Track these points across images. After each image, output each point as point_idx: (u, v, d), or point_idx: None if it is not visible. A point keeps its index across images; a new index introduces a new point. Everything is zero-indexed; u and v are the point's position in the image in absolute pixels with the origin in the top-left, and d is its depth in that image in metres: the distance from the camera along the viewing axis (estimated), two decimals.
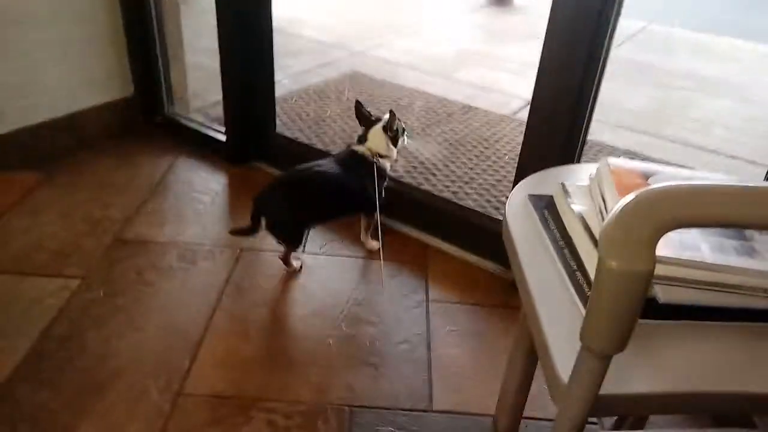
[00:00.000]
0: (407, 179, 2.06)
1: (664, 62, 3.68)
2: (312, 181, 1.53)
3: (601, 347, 0.51)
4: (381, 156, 1.61)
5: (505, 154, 2.33)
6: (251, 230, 1.53)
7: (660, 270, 0.68)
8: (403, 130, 1.67)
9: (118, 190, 1.90)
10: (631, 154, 2.41)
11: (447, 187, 2.05)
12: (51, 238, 1.66)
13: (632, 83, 3.29)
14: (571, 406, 0.58)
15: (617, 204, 0.52)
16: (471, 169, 2.20)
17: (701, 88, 3.28)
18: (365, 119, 1.64)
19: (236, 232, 1.58)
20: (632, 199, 0.50)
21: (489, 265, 1.69)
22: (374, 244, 1.69)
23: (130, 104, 2.21)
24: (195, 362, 1.32)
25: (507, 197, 1.00)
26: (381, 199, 1.61)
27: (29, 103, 1.94)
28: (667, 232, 0.50)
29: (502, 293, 1.59)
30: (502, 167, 2.22)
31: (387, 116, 1.62)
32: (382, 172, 1.61)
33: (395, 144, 1.64)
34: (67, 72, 2.02)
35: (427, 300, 1.56)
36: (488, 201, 1.99)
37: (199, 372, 1.30)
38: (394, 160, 1.67)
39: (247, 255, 1.66)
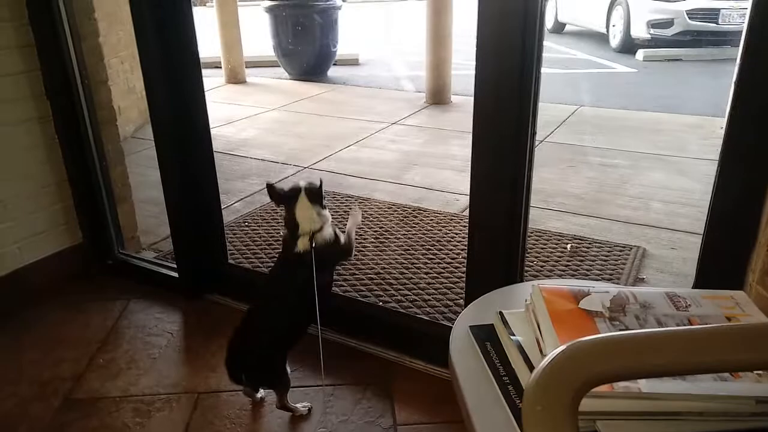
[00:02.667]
0: (365, 292, 2.07)
1: (597, 142, 3.90)
2: (274, 313, 1.49)
3: None
4: (317, 231, 1.48)
5: (458, 254, 2.37)
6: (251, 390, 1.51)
7: (599, 405, 0.69)
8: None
9: (68, 344, 1.84)
10: (580, 240, 2.49)
11: (405, 296, 2.06)
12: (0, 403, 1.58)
13: (570, 167, 3.46)
14: None
15: (536, 369, 0.53)
16: (427, 273, 2.22)
17: (635, 164, 3.47)
18: (281, 197, 1.50)
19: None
20: (546, 366, 0.52)
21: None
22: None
23: (79, 251, 2.20)
24: None
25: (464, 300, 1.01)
26: (332, 280, 1.59)
27: None
28: (586, 393, 0.51)
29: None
30: (457, 268, 2.26)
31: (304, 183, 1.50)
32: (325, 246, 1.49)
33: (323, 207, 1.52)
34: (11, 229, 2.00)
35: (395, 424, 1.52)
36: (447, 306, 2.00)
37: None
38: (331, 223, 1.54)
39: (205, 399, 1.60)
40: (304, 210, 1.47)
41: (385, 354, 1.77)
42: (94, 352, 1.79)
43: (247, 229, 2.62)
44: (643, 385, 0.70)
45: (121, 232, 2.25)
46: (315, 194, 1.48)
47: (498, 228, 1.48)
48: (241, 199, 2.98)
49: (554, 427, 0.49)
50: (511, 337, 0.86)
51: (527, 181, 1.44)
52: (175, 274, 2.09)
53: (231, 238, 2.44)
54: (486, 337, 0.91)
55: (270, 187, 1.50)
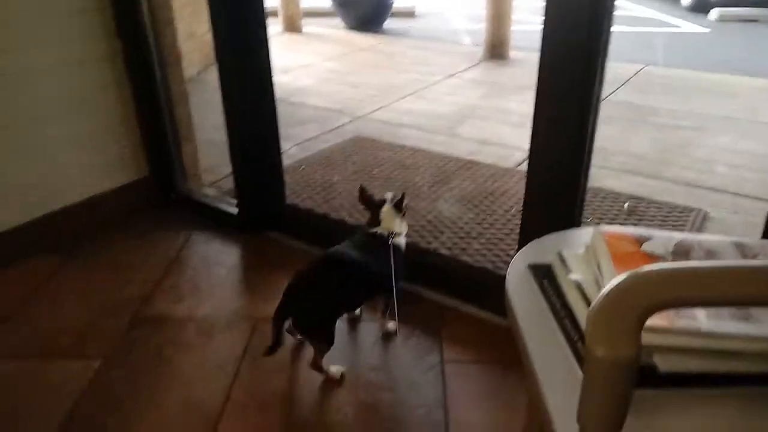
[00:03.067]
0: (416, 239, 2.11)
1: (663, 103, 3.75)
2: (339, 273, 1.50)
3: (597, 430, 0.54)
4: (396, 234, 1.60)
5: (512, 207, 2.37)
6: (276, 344, 1.46)
7: (657, 339, 0.71)
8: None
9: (135, 268, 1.96)
10: (638, 199, 2.44)
11: (456, 244, 2.09)
12: (73, 321, 1.71)
13: (633, 127, 3.35)
14: None
15: (606, 280, 0.55)
16: (478, 224, 2.23)
17: (701, 126, 3.33)
18: (370, 203, 1.63)
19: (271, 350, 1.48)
20: (614, 287, 0.53)
21: (503, 321, 1.70)
22: (392, 326, 1.67)
23: (145, 185, 2.31)
24: None
25: (515, 251, 1.03)
26: (399, 279, 1.59)
27: (48, 191, 2.04)
28: (650, 315, 0.53)
29: (517, 349, 1.59)
30: (509, 220, 2.26)
31: (390, 195, 1.64)
32: (398, 249, 1.60)
33: (403, 217, 1.64)
34: (84, 160, 2.12)
35: (443, 361, 1.57)
36: (497, 256, 2.02)
37: None
38: (405, 235, 1.66)
39: (262, 325, 1.69)
40: (388, 215, 1.61)
41: (435, 297, 1.81)
42: (159, 278, 1.91)
43: (302, 172, 2.67)
44: (704, 323, 0.71)
45: (184, 169, 2.35)
46: (398, 205, 1.62)
47: (557, 178, 1.47)
48: (297, 144, 3.03)
49: (616, 345, 0.51)
50: (570, 276, 0.88)
51: (591, 133, 1.42)
52: (235, 211, 2.17)
53: (287, 180, 2.50)
54: (543, 275, 0.92)
55: (362, 190, 1.64)
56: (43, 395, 1.46)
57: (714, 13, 6.72)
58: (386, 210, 1.61)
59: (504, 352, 1.59)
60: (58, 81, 1.98)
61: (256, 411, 1.42)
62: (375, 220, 1.61)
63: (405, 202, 1.63)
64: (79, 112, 2.06)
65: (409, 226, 2.17)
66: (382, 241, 1.56)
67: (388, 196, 1.64)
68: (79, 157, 2.10)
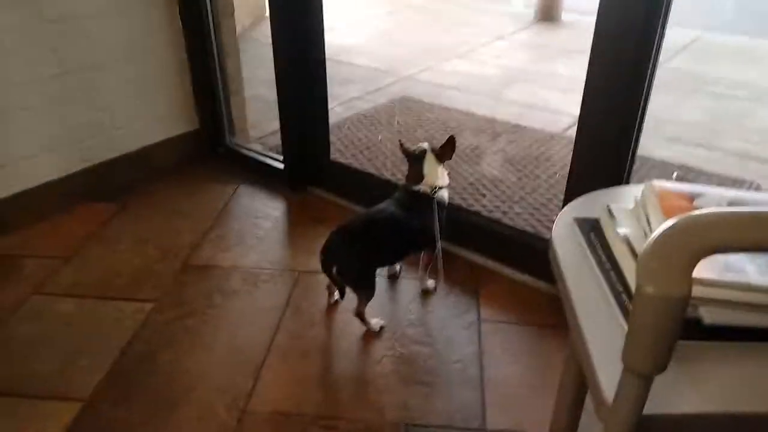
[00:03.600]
0: (457, 200, 2.11)
1: (719, 72, 3.59)
2: (378, 226, 1.53)
3: (642, 369, 0.55)
4: (439, 188, 1.59)
5: (556, 173, 2.34)
6: (341, 291, 1.54)
7: (704, 292, 0.70)
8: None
9: (185, 217, 2.03)
10: (687, 169, 2.37)
11: (497, 207, 2.08)
12: (127, 263, 1.80)
13: (687, 95, 3.23)
14: (615, 426, 0.61)
15: (656, 230, 0.55)
16: (521, 188, 2.22)
17: (758, 97, 3.18)
18: (411, 155, 1.62)
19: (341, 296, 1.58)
20: (668, 227, 0.53)
21: (541, 284, 1.70)
22: (431, 284, 1.69)
23: (195, 137, 2.37)
24: (258, 381, 1.40)
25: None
26: (443, 232, 1.60)
27: (106, 139, 2.11)
28: (702, 258, 0.53)
29: (554, 312, 1.60)
30: (553, 186, 2.24)
31: (427, 145, 1.61)
32: (441, 203, 1.60)
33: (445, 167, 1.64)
34: (138, 109, 2.18)
35: (479, 320, 1.59)
36: (539, 220, 2.01)
37: (263, 390, 1.38)
38: (447, 185, 1.65)
39: (305, 277, 1.74)
40: (431, 167, 1.59)
41: (474, 258, 1.82)
42: (208, 227, 1.97)
43: (347, 131, 2.69)
44: (753, 277, 0.70)
45: (233, 123, 2.39)
46: (440, 154, 1.60)
47: (606, 145, 1.45)
48: (342, 103, 3.04)
49: (668, 283, 0.51)
50: (618, 229, 0.87)
51: (644, 102, 1.39)
52: (281, 166, 2.21)
53: (332, 138, 2.52)
54: (590, 229, 0.92)
55: (401, 143, 1.63)
56: (100, 332, 1.55)
57: None
58: (428, 162, 1.59)
59: (540, 315, 1.60)
60: (117, 25, 2.03)
61: (298, 358, 1.48)
62: (417, 175, 1.60)
63: (452, 146, 1.59)
64: (134, 60, 2.12)
65: (450, 188, 2.17)
66: (426, 199, 1.57)
67: (426, 145, 1.61)
68: (134, 105, 2.17)
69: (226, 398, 1.35)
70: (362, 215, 1.57)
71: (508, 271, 1.77)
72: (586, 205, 0.99)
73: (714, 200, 0.84)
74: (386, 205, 1.57)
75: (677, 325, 0.53)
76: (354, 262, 1.50)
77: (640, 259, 0.53)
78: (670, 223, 0.54)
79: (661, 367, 0.54)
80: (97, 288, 1.70)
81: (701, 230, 0.53)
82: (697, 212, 0.54)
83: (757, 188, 2.23)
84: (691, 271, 0.52)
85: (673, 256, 0.51)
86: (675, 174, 2.34)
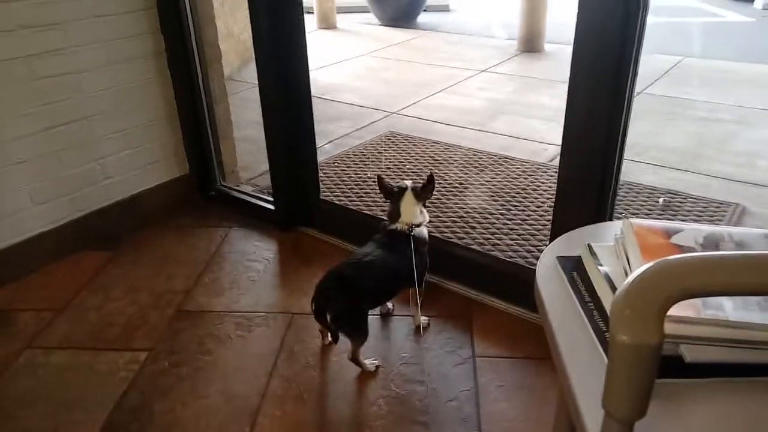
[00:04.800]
0: (447, 234, 2.13)
1: (702, 96, 3.67)
2: (366, 269, 1.54)
3: (621, 414, 0.56)
4: (416, 226, 1.62)
5: (543, 202, 2.37)
6: (335, 337, 1.54)
7: (684, 330, 0.72)
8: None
9: (178, 263, 2.04)
10: (673, 194, 2.41)
11: (487, 239, 2.10)
12: (120, 313, 1.80)
13: (670, 120, 3.29)
14: None
15: (633, 269, 0.57)
16: (510, 219, 2.24)
17: (741, 119, 3.25)
18: (390, 193, 1.65)
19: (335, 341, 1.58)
20: (639, 274, 0.55)
21: (533, 316, 1.71)
22: (424, 320, 1.70)
23: (186, 182, 2.39)
24: (254, 428, 1.39)
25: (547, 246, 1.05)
26: (426, 268, 1.64)
27: (96, 188, 2.13)
28: (674, 303, 0.55)
29: (547, 343, 1.60)
30: (541, 216, 2.26)
31: (410, 183, 1.65)
32: (421, 240, 1.63)
33: (425, 206, 1.67)
34: (130, 158, 2.21)
35: (474, 355, 1.60)
36: (529, 251, 2.02)
37: None
38: (427, 222, 1.68)
39: (298, 319, 1.74)
40: (408, 205, 1.62)
41: (467, 292, 1.83)
42: (200, 272, 1.98)
43: (336, 169, 2.72)
44: (731, 313, 0.72)
45: (223, 166, 2.42)
46: (419, 193, 1.63)
47: (589, 173, 1.48)
48: (332, 141, 3.08)
49: (640, 331, 0.53)
50: (599, 267, 0.89)
51: (623, 128, 1.42)
52: (272, 207, 2.23)
53: (322, 177, 2.55)
54: (573, 267, 0.94)
55: (380, 180, 1.65)
56: (94, 384, 1.54)
57: (760, 2, 6.50)
58: (406, 200, 1.62)
59: (535, 347, 1.61)
60: (108, 79, 2.07)
61: (294, 403, 1.47)
62: (395, 213, 1.63)
63: (431, 185, 1.63)
64: (124, 110, 2.15)
65: (441, 222, 2.20)
66: (404, 237, 1.60)
67: (408, 183, 1.65)
68: (124, 154, 2.19)
69: None
70: (349, 260, 1.58)
71: (500, 303, 1.78)
72: (569, 243, 1.00)
73: (690, 237, 0.86)
74: (370, 248, 1.59)
75: (653, 371, 0.54)
76: (346, 308, 1.50)
77: (613, 308, 0.54)
78: (641, 270, 0.55)
79: (641, 413, 0.56)
80: (91, 339, 1.70)
81: (672, 277, 0.54)
82: (667, 259, 0.56)
83: (743, 211, 2.27)
84: (663, 317, 0.54)
85: (646, 304, 0.53)
86: (661, 199, 2.37)
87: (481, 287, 1.83)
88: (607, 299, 0.85)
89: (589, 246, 0.94)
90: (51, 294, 1.88)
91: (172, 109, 2.28)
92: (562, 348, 0.79)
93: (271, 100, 2.04)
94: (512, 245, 2.06)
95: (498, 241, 2.09)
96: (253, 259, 2.05)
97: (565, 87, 1.43)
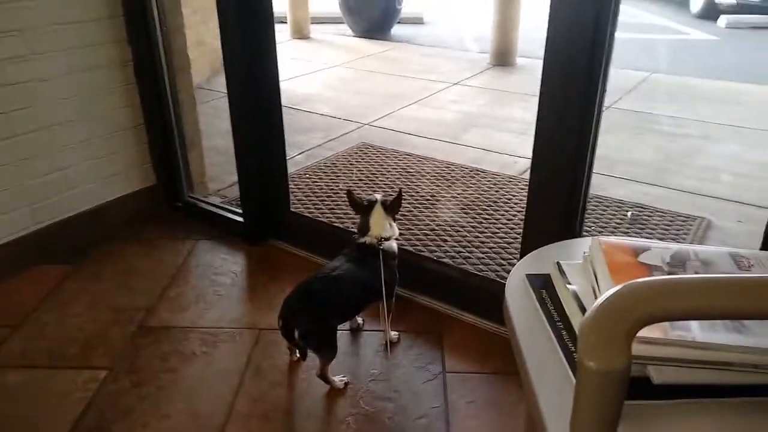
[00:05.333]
0: (419, 246, 2.11)
1: (669, 111, 3.75)
2: (335, 284, 1.50)
3: None
4: (386, 239, 1.60)
5: (515, 215, 2.37)
6: (303, 354, 1.53)
7: (652, 351, 0.71)
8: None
9: (142, 277, 1.98)
10: (640, 207, 2.44)
11: (459, 252, 2.09)
12: (79, 329, 1.73)
13: (637, 134, 3.35)
14: None
15: (596, 301, 0.56)
16: (481, 233, 2.24)
17: (707, 134, 3.33)
18: (359, 206, 1.63)
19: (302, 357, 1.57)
20: (605, 300, 0.54)
21: (503, 330, 1.70)
22: (394, 335, 1.68)
23: (152, 193, 2.33)
24: None
25: (518, 260, 1.04)
26: (395, 282, 1.62)
27: (58, 199, 2.06)
28: (640, 328, 0.54)
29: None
30: (512, 229, 2.27)
31: (379, 196, 1.63)
32: (390, 254, 1.61)
33: (394, 220, 1.65)
34: (93, 168, 2.14)
35: (444, 371, 1.58)
36: (500, 264, 2.02)
37: None
38: (397, 236, 1.67)
39: (266, 335, 1.70)
40: (378, 218, 1.60)
41: (437, 306, 1.82)
42: (165, 286, 1.92)
43: (308, 180, 2.69)
44: (698, 334, 0.71)
45: (190, 177, 2.37)
46: (389, 207, 1.62)
47: (559, 187, 1.48)
48: (303, 152, 3.05)
49: (607, 357, 0.52)
50: (568, 286, 0.88)
51: (592, 142, 1.43)
52: (241, 219, 2.19)
53: (292, 188, 2.52)
54: (542, 285, 0.93)
55: (349, 194, 1.63)
56: (50, 404, 1.48)
57: (723, 20, 6.71)
58: (375, 214, 1.60)
59: (505, 361, 1.60)
60: (70, 88, 2.01)
61: (260, 421, 1.43)
62: (365, 226, 1.61)
63: (399, 200, 1.63)
64: (90, 119, 2.09)
65: (413, 234, 2.18)
66: (368, 251, 1.57)
67: (378, 197, 1.63)
68: (88, 164, 2.13)
69: None
70: (318, 274, 1.54)
71: (470, 317, 1.77)
72: (538, 260, 1.00)
73: (657, 255, 0.86)
74: (339, 262, 1.56)
75: (622, 396, 0.53)
76: (315, 324, 1.47)
77: (581, 333, 0.53)
78: (607, 294, 0.54)
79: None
80: (48, 357, 1.63)
81: (638, 302, 0.53)
82: (634, 282, 0.55)
83: (708, 225, 2.31)
84: (630, 342, 0.53)
85: (613, 329, 0.52)
86: (630, 213, 2.40)
87: (451, 301, 1.82)
88: (575, 319, 0.84)
89: (558, 264, 0.93)
90: (8, 309, 1.81)
91: (138, 118, 2.23)
92: (530, 367, 0.78)
93: (240, 110, 2.01)
94: (483, 258, 2.06)
95: (469, 254, 2.08)
96: (220, 272, 2.00)
97: (537, 100, 1.43)
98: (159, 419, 1.43)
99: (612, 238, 0.92)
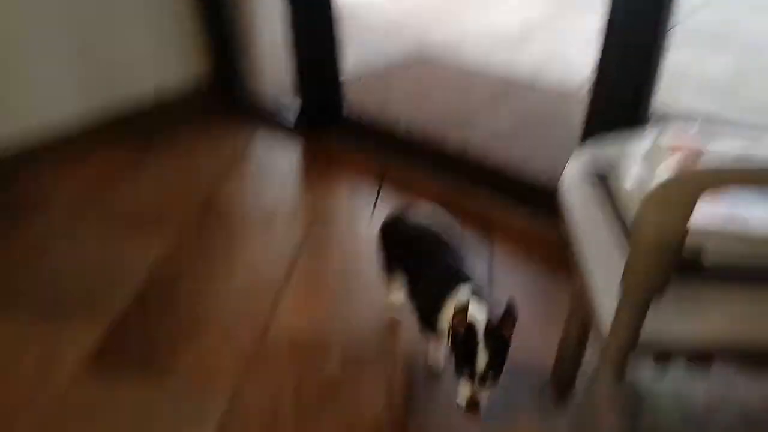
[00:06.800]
0: (474, 151, 2.11)
1: (747, 23, 3.49)
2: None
3: (635, 294, 0.58)
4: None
5: (573, 128, 2.32)
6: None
7: (706, 237, 0.73)
8: None
9: (203, 163, 2.08)
10: (710, 120, 2.35)
11: (513, 158, 2.08)
12: (149, 205, 1.87)
13: (713, 47, 3.15)
14: (612, 349, 0.65)
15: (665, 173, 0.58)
16: (538, 145, 2.21)
17: None
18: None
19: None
20: (670, 177, 0.56)
21: (553, 232, 1.71)
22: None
23: (213, 86, 2.40)
24: (278, 307, 1.47)
25: None
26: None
27: (123, 85, 2.16)
28: (701, 194, 0.55)
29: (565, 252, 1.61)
30: (568, 141, 2.22)
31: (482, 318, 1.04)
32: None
33: None
34: (153, 59, 2.23)
35: (492, 255, 1.63)
36: (552, 168, 2.01)
37: (281, 316, 1.44)
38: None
39: (320, 220, 1.81)
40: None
41: (491, 204, 1.84)
42: (226, 168, 2.03)
43: (361, 85, 2.66)
44: (752, 223, 0.73)
45: (248, 71, 2.41)
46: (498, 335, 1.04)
47: (620, 98, 1.46)
48: (358, 57, 3.00)
49: (667, 213, 0.54)
50: (625, 176, 0.89)
51: (660, 53, 1.38)
52: (296, 114, 2.23)
53: (345, 93, 2.51)
54: (599, 177, 0.94)
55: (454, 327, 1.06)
56: (125, 263, 1.62)
57: None
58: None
59: (551, 258, 1.63)
60: None
61: (317, 279, 1.56)
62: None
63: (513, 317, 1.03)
64: (149, 8, 2.14)
65: (467, 139, 2.18)
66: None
67: (481, 320, 1.03)
68: (148, 56, 2.20)
69: (246, 324, 1.41)
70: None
71: (522, 218, 1.78)
72: (597, 151, 1.01)
73: (719, 156, 0.84)
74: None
75: (670, 264, 0.55)
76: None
77: (641, 204, 0.55)
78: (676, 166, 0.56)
79: (653, 291, 0.58)
80: (122, 226, 1.76)
81: (699, 175, 0.55)
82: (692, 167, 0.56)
83: None
84: (688, 215, 0.54)
85: (674, 191, 0.54)
86: (697, 123, 2.31)
87: (502, 198, 1.83)
88: (633, 201, 0.85)
89: (618, 154, 0.93)
90: (78, 186, 1.94)
91: (196, 8, 2.25)
92: (586, 251, 0.80)
93: (298, 8, 2.01)
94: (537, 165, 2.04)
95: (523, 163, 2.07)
96: (275, 162, 2.09)
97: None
98: (222, 281, 1.56)
99: (674, 129, 0.91)
